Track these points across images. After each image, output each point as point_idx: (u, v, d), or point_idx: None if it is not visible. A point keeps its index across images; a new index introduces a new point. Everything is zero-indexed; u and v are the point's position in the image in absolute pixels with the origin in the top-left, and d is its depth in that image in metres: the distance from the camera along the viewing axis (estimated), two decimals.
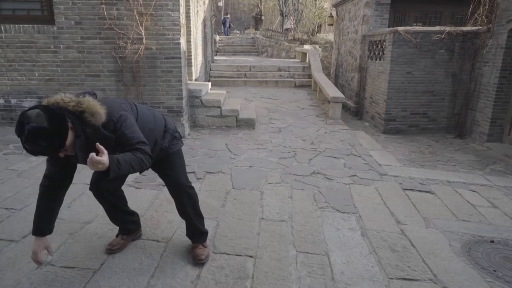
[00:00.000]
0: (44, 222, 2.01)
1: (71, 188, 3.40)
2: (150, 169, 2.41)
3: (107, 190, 2.32)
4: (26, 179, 3.61)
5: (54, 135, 1.64)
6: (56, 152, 1.70)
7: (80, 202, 3.17)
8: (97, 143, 1.67)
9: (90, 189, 2.32)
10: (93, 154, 1.61)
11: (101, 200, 2.36)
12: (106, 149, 1.69)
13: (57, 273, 2.20)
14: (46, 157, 1.95)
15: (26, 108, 1.77)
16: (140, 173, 2.03)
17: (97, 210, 3.02)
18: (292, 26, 21.86)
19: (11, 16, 5.16)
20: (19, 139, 1.65)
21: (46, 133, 1.60)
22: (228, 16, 26.27)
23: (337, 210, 3.30)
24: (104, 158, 1.64)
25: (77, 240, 2.57)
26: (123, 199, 2.47)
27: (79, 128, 1.76)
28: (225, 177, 3.98)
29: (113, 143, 1.86)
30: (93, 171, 2.28)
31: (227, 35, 24.29)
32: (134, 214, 2.56)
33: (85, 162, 1.70)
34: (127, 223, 2.51)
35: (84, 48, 5.20)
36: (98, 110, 1.80)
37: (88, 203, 3.14)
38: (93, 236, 2.63)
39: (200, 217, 2.48)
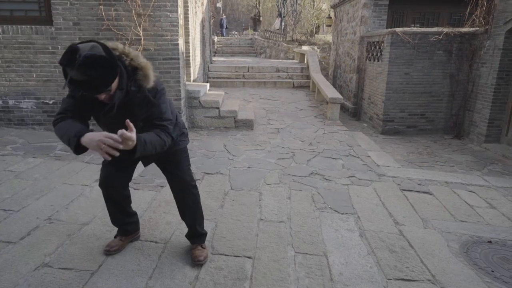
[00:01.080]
0: (77, 127, 1.76)
1: (69, 189, 3.42)
2: (148, 170, 2.41)
3: (116, 187, 2.31)
4: (23, 180, 3.60)
5: (109, 68, 1.60)
6: (103, 88, 1.64)
7: (78, 203, 3.16)
8: (127, 120, 1.63)
9: (100, 185, 2.31)
10: (123, 130, 1.59)
11: (108, 197, 2.34)
12: (135, 117, 1.72)
13: (54, 275, 2.19)
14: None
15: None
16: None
17: (95, 211, 3.02)
18: (282, 26, 21.94)
19: (9, 17, 5.15)
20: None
21: (102, 62, 1.56)
22: (224, 17, 26.30)
23: (335, 211, 3.30)
24: (134, 135, 1.62)
25: (75, 242, 2.56)
26: (128, 199, 2.46)
27: (124, 81, 1.75)
28: (224, 178, 3.98)
29: (152, 112, 1.87)
30: (101, 168, 2.30)
31: (224, 36, 24.32)
32: (134, 215, 2.56)
33: (108, 128, 1.73)
34: (128, 224, 2.50)
35: None
36: (151, 74, 1.82)
37: (86, 204, 3.13)
38: (91, 238, 2.62)
39: (201, 218, 2.48)
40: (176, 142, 2.24)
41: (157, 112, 1.90)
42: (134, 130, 1.64)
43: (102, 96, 1.72)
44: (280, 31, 20.60)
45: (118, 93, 1.75)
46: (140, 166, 2.39)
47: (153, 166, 2.48)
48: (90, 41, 1.64)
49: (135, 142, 1.63)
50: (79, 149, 1.71)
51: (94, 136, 1.64)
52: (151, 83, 1.84)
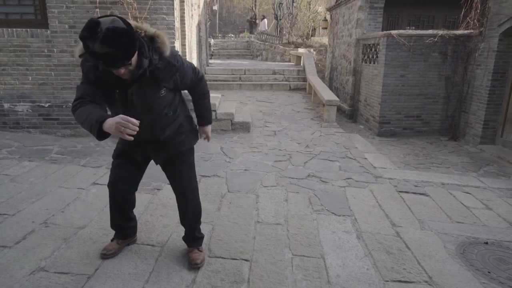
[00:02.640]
0: (97, 113, 1.73)
1: (65, 192, 3.40)
2: (145, 173, 2.40)
3: (124, 190, 2.31)
4: (19, 184, 3.58)
5: (131, 40, 1.63)
6: (126, 61, 1.66)
7: (74, 207, 3.15)
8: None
9: (108, 186, 2.31)
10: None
11: (113, 199, 2.33)
12: (155, 89, 1.90)
13: (50, 279, 2.17)
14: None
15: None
16: None
17: (91, 215, 3.00)
18: (266, 29, 22.06)
19: (4, 20, 5.13)
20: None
21: (125, 34, 1.59)
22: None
23: (332, 213, 3.30)
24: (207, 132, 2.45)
25: (71, 246, 2.54)
26: (132, 203, 2.45)
27: (146, 50, 1.80)
28: (221, 180, 3.97)
29: (177, 76, 1.98)
30: (111, 169, 2.30)
31: None
32: (134, 220, 2.54)
33: (123, 111, 1.81)
34: (126, 228, 2.49)
35: None
36: (167, 40, 1.90)
37: (82, 208, 3.12)
38: (87, 241, 2.60)
39: (199, 221, 2.47)
40: (185, 140, 2.24)
41: (189, 72, 2.09)
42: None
43: (122, 71, 1.74)
44: (266, 32, 20.73)
45: (143, 61, 1.80)
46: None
47: (150, 169, 2.47)
48: (108, 15, 1.68)
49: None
50: (101, 135, 1.69)
51: (113, 120, 1.63)
52: (169, 50, 1.92)
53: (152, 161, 2.33)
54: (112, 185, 2.29)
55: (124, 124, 1.60)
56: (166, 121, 2.11)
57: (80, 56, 1.79)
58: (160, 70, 1.89)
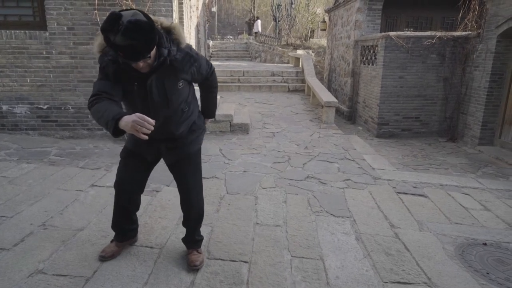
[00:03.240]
0: (114, 110, 1.73)
1: (63, 194, 3.39)
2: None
3: (130, 191, 2.30)
4: (17, 186, 3.57)
5: (152, 33, 1.66)
6: (146, 54, 1.69)
7: (72, 209, 3.14)
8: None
9: (115, 186, 2.30)
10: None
11: (118, 200, 2.32)
12: (173, 80, 1.93)
13: (49, 282, 2.17)
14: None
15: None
16: None
17: (90, 217, 3.00)
18: (260, 30, 22.14)
19: (2, 22, 5.12)
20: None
21: (147, 27, 1.62)
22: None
23: (331, 214, 3.30)
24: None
25: (70, 248, 2.53)
26: (137, 204, 2.43)
27: (165, 41, 1.84)
28: (219, 182, 3.97)
29: (194, 66, 2.02)
30: (118, 168, 2.29)
31: None
32: (135, 223, 2.53)
33: (140, 106, 1.87)
34: (128, 230, 2.47)
35: (76, 54, 5.18)
36: (183, 33, 1.97)
37: (81, 210, 3.11)
38: (85, 243, 2.60)
39: (201, 224, 2.47)
40: (197, 139, 2.26)
41: (203, 63, 2.11)
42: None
43: (141, 64, 1.76)
44: (259, 33, 20.79)
45: (163, 51, 1.82)
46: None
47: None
48: (128, 8, 1.73)
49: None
50: (117, 132, 1.69)
51: (129, 118, 1.63)
52: (185, 42, 1.97)
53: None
54: (118, 185, 2.28)
55: (140, 123, 1.60)
56: (182, 117, 2.11)
57: (99, 51, 1.85)
58: (178, 61, 1.91)
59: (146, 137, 1.64)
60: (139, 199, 2.42)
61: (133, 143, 2.22)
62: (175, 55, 1.89)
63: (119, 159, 2.30)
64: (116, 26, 1.57)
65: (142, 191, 2.38)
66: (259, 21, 23.33)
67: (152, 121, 1.63)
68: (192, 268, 2.33)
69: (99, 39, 1.82)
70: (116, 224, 2.42)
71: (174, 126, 2.09)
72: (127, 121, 1.62)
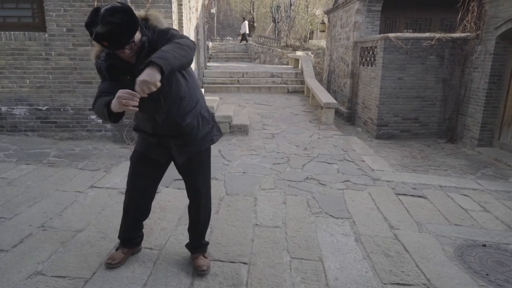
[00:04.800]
0: (107, 100, 1.79)
1: (62, 196, 3.39)
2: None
3: (142, 202, 2.29)
4: (16, 187, 3.56)
5: (131, 15, 1.69)
6: (128, 38, 1.71)
7: (71, 210, 3.13)
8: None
9: (126, 193, 2.30)
10: (138, 78, 1.62)
11: (129, 207, 2.30)
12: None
13: (48, 283, 2.16)
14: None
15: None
16: (185, 67, 1.92)
17: (89, 218, 2.99)
18: (247, 31, 22.20)
19: (1, 23, 5.12)
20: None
21: (123, 10, 1.67)
22: None
23: (330, 215, 3.30)
24: (146, 72, 1.61)
25: (69, 249, 2.53)
26: (147, 214, 2.40)
27: (144, 30, 1.87)
28: (219, 183, 3.97)
29: (169, 36, 1.94)
30: (128, 178, 2.26)
31: None
32: (142, 230, 2.49)
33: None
34: (134, 238, 2.44)
35: (76, 55, 5.18)
36: (161, 18, 1.97)
37: (80, 211, 3.11)
38: (85, 245, 2.59)
39: (207, 227, 2.46)
40: (207, 136, 2.21)
41: (172, 35, 1.90)
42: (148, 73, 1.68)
43: (127, 52, 1.79)
44: (246, 35, 20.79)
45: (142, 38, 1.85)
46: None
47: None
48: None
49: (154, 78, 1.61)
50: (112, 116, 1.79)
51: (115, 98, 1.70)
52: (164, 25, 1.97)
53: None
54: (130, 197, 2.26)
55: (124, 97, 1.65)
56: (185, 107, 2.05)
57: (95, 58, 1.92)
58: (156, 42, 1.90)
59: (136, 109, 1.68)
60: (149, 209, 2.39)
61: (144, 144, 2.19)
62: (153, 38, 1.90)
63: (122, 163, 2.28)
64: (96, 18, 1.65)
65: (152, 200, 2.36)
66: (246, 22, 23.31)
67: (135, 93, 1.64)
68: (200, 273, 2.30)
69: (95, 49, 1.94)
70: (125, 233, 2.38)
71: (178, 117, 2.04)
72: (114, 101, 1.69)
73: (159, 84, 1.63)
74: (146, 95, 1.66)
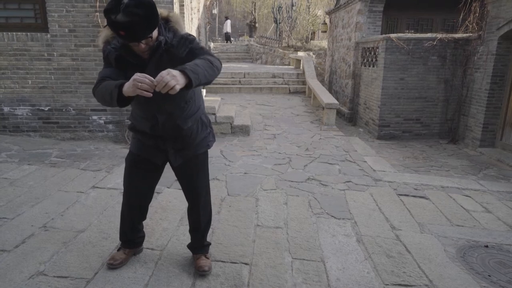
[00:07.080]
0: (116, 82, 1.75)
1: (64, 196, 3.40)
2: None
3: (138, 205, 2.29)
4: (18, 188, 3.57)
5: (153, 9, 1.67)
6: (148, 32, 1.70)
7: (73, 210, 3.14)
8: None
9: (124, 196, 2.29)
10: (168, 70, 1.57)
11: (126, 212, 2.30)
12: (181, 60, 1.79)
13: (49, 283, 2.17)
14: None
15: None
16: (210, 82, 1.85)
17: (91, 218, 3.00)
18: (229, 31, 22.27)
19: (4, 24, 5.14)
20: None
21: (147, 3, 1.65)
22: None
23: (332, 216, 3.30)
24: (177, 73, 1.58)
25: (70, 249, 2.53)
26: (144, 216, 2.40)
27: (162, 30, 1.86)
28: (220, 184, 3.97)
29: (189, 48, 1.91)
30: (124, 180, 2.25)
31: None
32: (142, 230, 2.49)
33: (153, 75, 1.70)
34: (135, 239, 2.44)
35: (78, 56, 5.19)
36: (182, 22, 1.94)
37: (82, 212, 3.11)
38: (86, 245, 2.60)
39: (209, 228, 2.46)
40: (205, 140, 2.21)
41: (199, 49, 1.91)
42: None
43: (143, 46, 1.77)
44: (229, 34, 20.76)
45: (159, 37, 1.84)
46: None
47: None
48: None
49: (180, 82, 1.58)
50: (121, 101, 1.71)
51: (130, 80, 1.63)
52: (183, 30, 1.95)
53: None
54: (126, 200, 2.26)
55: (140, 80, 1.59)
56: (188, 110, 2.05)
57: (104, 42, 1.88)
58: (174, 47, 1.89)
59: (150, 94, 1.61)
60: (146, 211, 2.39)
61: (139, 146, 2.16)
62: (171, 42, 1.88)
63: (123, 163, 2.27)
64: (118, 6, 1.60)
65: (149, 201, 2.35)
66: (228, 21, 23.20)
67: (153, 79, 1.59)
68: (201, 273, 2.30)
69: (103, 33, 1.88)
70: (124, 234, 2.39)
71: (180, 120, 2.03)
72: (128, 83, 1.63)
73: (176, 91, 1.58)
74: (157, 91, 1.60)
